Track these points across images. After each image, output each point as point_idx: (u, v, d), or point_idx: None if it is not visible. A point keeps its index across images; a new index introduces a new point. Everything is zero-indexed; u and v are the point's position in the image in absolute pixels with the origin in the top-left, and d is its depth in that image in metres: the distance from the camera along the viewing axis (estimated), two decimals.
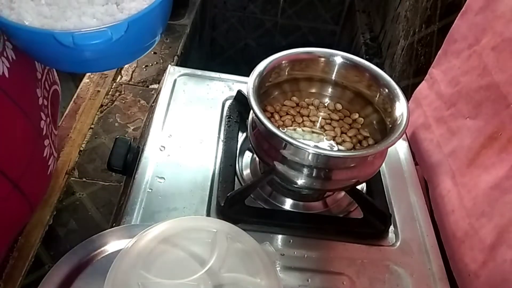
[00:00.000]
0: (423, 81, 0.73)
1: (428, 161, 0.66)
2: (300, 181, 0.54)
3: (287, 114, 0.62)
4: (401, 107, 0.56)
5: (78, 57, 0.41)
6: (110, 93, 0.91)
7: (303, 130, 0.61)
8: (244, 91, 0.64)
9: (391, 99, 0.57)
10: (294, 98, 0.64)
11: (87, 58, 0.41)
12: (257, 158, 0.63)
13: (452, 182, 0.60)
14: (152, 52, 1.04)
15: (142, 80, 0.96)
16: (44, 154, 0.50)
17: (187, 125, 0.66)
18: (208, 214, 0.56)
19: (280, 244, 0.55)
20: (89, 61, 0.42)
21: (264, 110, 0.56)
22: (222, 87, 0.74)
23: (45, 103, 0.50)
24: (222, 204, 0.55)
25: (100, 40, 0.38)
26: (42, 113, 0.48)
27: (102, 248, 0.47)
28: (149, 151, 0.62)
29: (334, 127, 0.61)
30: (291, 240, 0.56)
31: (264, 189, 0.61)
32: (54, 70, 0.57)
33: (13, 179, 0.44)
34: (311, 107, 0.63)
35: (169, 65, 0.77)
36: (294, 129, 0.61)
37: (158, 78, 0.97)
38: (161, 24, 0.45)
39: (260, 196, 0.60)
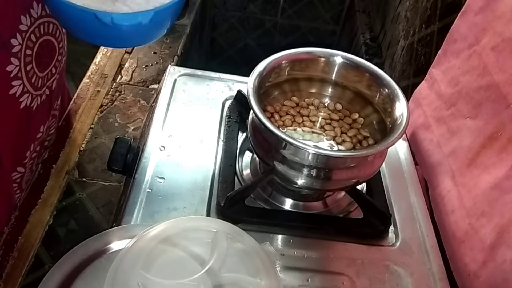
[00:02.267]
0: (423, 81, 0.73)
1: (428, 161, 0.66)
2: (300, 181, 0.54)
3: (287, 114, 0.62)
4: (401, 107, 0.56)
5: (111, 34, 0.51)
6: (110, 93, 0.91)
7: (303, 130, 0.61)
8: (244, 91, 0.64)
9: (391, 99, 0.57)
10: (294, 98, 0.64)
11: (117, 36, 0.52)
12: (257, 158, 0.63)
13: (452, 182, 0.60)
14: (152, 52, 1.03)
15: (142, 80, 0.95)
16: (12, 92, 0.54)
17: (187, 125, 0.66)
18: (208, 214, 0.56)
19: (280, 244, 0.55)
20: (117, 38, 0.53)
21: (264, 110, 0.56)
22: (222, 87, 0.74)
23: (28, 52, 0.55)
24: (222, 204, 0.55)
25: (132, 22, 0.48)
26: (14, 58, 0.53)
27: (102, 248, 0.47)
28: (149, 151, 0.62)
29: (334, 127, 0.61)
30: (291, 240, 0.56)
31: (264, 189, 0.61)
32: (48, 25, 0.59)
33: None
34: (311, 107, 0.63)
35: (169, 65, 0.77)
36: (294, 129, 0.61)
37: (158, 78, 0.97)
38: (175, 18, 0.55)
39: (260, 196, 0.60)
